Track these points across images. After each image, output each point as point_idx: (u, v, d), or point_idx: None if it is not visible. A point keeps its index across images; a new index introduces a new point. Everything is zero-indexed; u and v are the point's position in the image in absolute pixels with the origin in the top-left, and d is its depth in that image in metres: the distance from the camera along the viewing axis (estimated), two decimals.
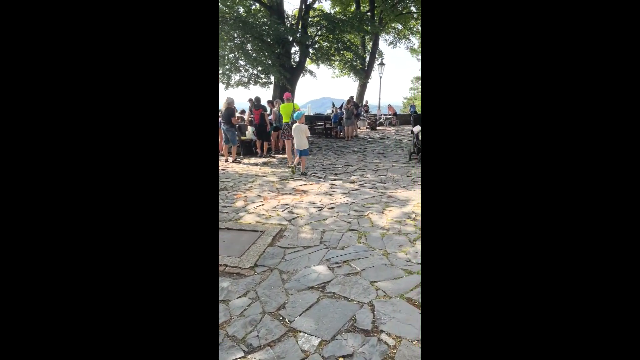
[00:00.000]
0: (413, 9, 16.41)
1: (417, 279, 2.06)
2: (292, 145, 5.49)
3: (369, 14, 14.64)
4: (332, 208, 3.53)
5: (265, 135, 7.53)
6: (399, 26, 17.83)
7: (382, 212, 3.34)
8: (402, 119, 16.16)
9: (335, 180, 4.86)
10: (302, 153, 5.25)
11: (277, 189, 4.42)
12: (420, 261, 2.29)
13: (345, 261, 2.33)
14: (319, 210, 3.47)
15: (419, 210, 3.35)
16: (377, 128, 14.54)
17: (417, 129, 6.01)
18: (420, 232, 2.80)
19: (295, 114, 5.50)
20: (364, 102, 16.27)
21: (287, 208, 3.55)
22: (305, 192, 4.23)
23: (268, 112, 8.20)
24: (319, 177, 5.07)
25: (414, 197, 3.85)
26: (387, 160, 6.46)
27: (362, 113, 14.81)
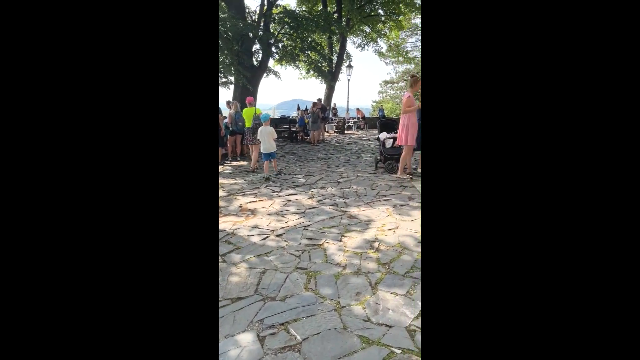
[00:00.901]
0: (380, 11, 16.27)
1: (377, 353, 1.49)
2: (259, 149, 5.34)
3: (335, 14, 14.24)
4: (280, 235, 2.90)
5: (219, 140, 6.76)
6: (367, 29, 17.65)
7: (340, 240, 2.76)
8: (370, 123, 15.92)
9: (292, 194, 4.24)
10: (271, 156, 5.17)
11: (219, 208, 3.72)
12: (381, 321, 1.72)
13: (283, 323, 1.71)
14: (264, 238, 2.83)
15: (383, 236, 2.82)
16: (346, 132, 14.14)
17: (384, 135, 5.55)
18: (384, 270, 2.26)
19: (262, 116, 5.46)
20: (332, 105, 15.84)
21: (223, 237, 2.88)
22: (253, 212, 3.57)
23: (223, 115, 7.43)
24: (274, 191, 4.43)
25: (377, 216, 3.33)
26: (352, 169, 5.95)
27: (331, 116, 14.36)
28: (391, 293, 1.97)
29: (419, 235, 2.83)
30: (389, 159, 5.42)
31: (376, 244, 2.66)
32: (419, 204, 3.71)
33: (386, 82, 28.24)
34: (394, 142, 5.44)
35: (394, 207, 3.63)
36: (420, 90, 4.96)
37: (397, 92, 27.07)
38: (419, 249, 2.54)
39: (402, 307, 1.82)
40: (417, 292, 1.96)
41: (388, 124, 5.87)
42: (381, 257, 2.44)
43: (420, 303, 1.85)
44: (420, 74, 4.64)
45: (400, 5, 15.87)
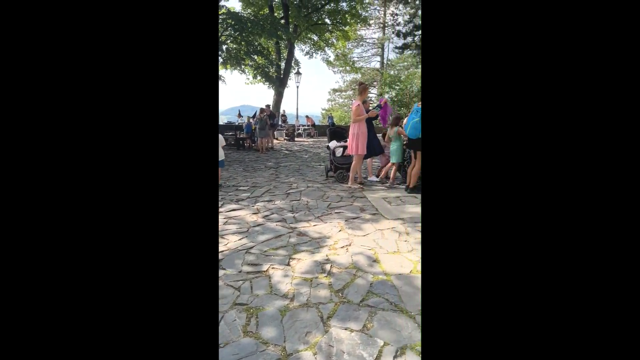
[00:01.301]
0: (327, 20, 16.48)
1: None
2: None
3: (282, 20, 14.04)
4: (218, 260, 2.48)
5: None
6: (315, 37, 17.75)
7: (288, 264, 2.44)
8: (320, 130, 15.90)
9: (234, 210, 3.81)
10: (219, 165, 4.73)
11: None
12: None
13: None
14: None
15: (335, 255, 2.57)
16: (296, 139, 13.90)
17: (334, 144, 5.38)
18: (338, 299, 1.98)
19: None
20: (282, 112, 15.52)
21: None
22: None
23: None
24: None
25: (329, 232, 3.07)
26: (302, 178, 5.67)
27: (280, 123, 14.01)
28: (346, 329, 1.70)
29: (372, 252, 2.63)
30: (339, 168, 5.25)
31: (328, 266, 2.39)
32: (371, 216, 3.55)
33: (335, 91, 28.78)
34: (344, 151, 5.30)
35: (345, 220, 3.41)
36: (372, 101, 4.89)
37: (346, 100, 27.71)
38: (374, 270, 2.33)
39: (359, 348, 1.56)
40: (375, 325, 1.72)
41: (338, 133, 5.73)
42: (334, 282, 2.17)
43: (379, 340, 1.61)
44: (369, 82, 4.58)
45: (347, 16, 16.25)
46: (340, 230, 3.13)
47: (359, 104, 4.56)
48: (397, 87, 18.31)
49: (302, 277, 2.24)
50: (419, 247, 2.73)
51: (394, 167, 4.93)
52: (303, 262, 2.47)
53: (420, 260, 2.49)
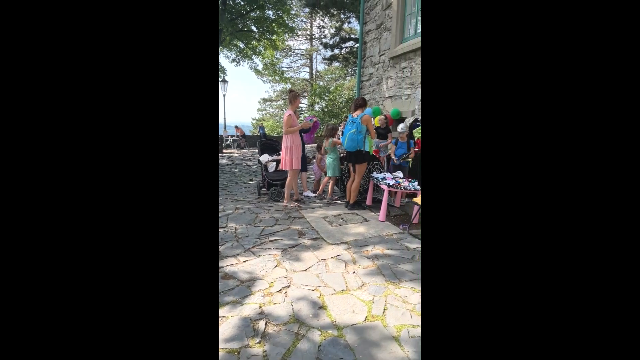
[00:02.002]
0: (253, 28, 15.90)
1: None
2: None
3: None
4: None
5: None
6: (241, 44, 16.98)
7: None
8: (251, 141, 15.10)
9: None
10: None
11: None
12: None
13: None
14: None
15: (270, 305, 2.01)
16: (225, 151, 12.87)
17: (265, 158, 4.82)
18: None
19: None
20: None
21: None
22: None
23: None
24: None
25: (263, 269, 2.51)
26: (230, 197, 4.95)
27: None
28: None
29: (316, 294, 2.15)
30: (273, 184, 4.70)
31: (261, 324, 1.82)
32: (312, 242, 3.08)
33: (265, 100, 28.12)
34: (277, 166, 4.77)
35: (282, 250, 2.88)
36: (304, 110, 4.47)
37: (277, 110, 27.27)
38: (321, 321, 1.84)
39: None
40: None
41: (270, 145, 5.18)
42: (270, 351, 1.61)
43: None
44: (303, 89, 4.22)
45: (273, 24, 15.91)
46: (276, 266, 2.58)
47: (290, 114, 4.11)
48: (327, 98, 18.62)
49: (226, 348, 1.63)
50: (369, 280, 2.34)
51: (331, 182, 4.58)
52: (227, 322, 1.85)
53: (373, 300, 2.09)
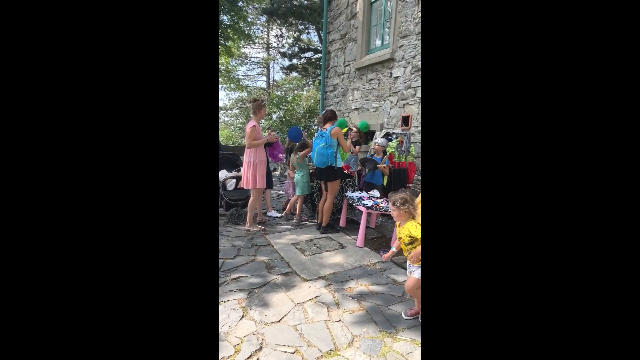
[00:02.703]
0: None
1: None
2: None
3: None
4: None
5: None
6: None
7: None
8: None
9: None
10: None
11: None
12: None
13: None
14: None
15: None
16: None
17: (223, 175, 4.23)
18: None
19: None
20: None
21: None
22: None
23: None
24: None
25: (224, 322, 1.97)
26: None
27: None
28: None
29: (297, 357, 1.68)
30: (232, 204, 4.11)
31: None
32: (283, 278, 2.60)
33: (220, 108, 26.87)
34: (237, 183, 4.21)
35: (248, 293, 2.36)
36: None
37: (232, 118, 26.17)
38: None
39: None
40: None
41: (228, 160, 4.58)
42: None
43: None
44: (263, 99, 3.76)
45: (229, 30, 15.20)
46: (242, 317, 2.06)
47: (254, 125, 3.60)
48: (285, 108, 18.22)
49: None
50: (359, 332, 1.92)
51: (299, 200, 4.12)
52: None
53: None
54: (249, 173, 3.64)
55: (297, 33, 15.89)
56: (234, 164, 4.52)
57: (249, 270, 2.73)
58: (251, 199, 3.75)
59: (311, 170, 4.20)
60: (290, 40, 16.24)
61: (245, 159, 3.68)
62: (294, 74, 19.74)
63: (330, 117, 3.61)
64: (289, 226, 3.99)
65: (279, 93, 21.53)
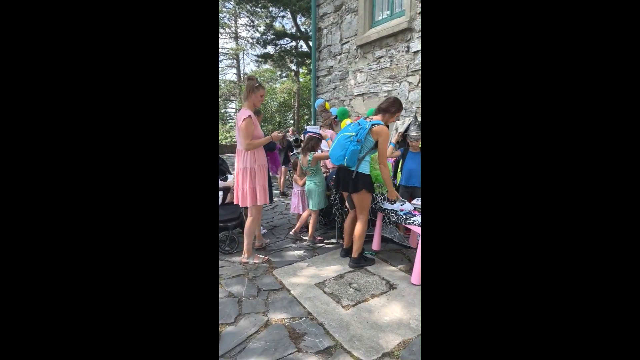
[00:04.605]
0: None
1: None
2: None
3: None
4: None
5: None
6: None
7: None
8: None
9: None
10: None
11: None
12: None
13: None
14: None
15: None
16: None
17: None
18: None
19: None
20: None
21: None
22: None
23: None
24: None
25: None
26: None
27: None
28: None
29: None
30: (221, 227, 2.97)
31: None
32: (324, 355, 1.56)
33: None
34: (225, 197, 3.07)
35: None
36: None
37: None
38: None
39: None
40: None
41: None
42: None
43: None
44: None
45: None
46: None
47: (249, 116, 2.47)
48: None
49: None
50: None
51: (313, 217, 3.05)
52: None
53: None
54: (245, 185, 2.52)
55: (269, 19, 14.53)
56: (219, 169, 3.36)
57: (265, 350, 1.66)
58: (249, 219, 2.64)
59: (326, 174, 3.15)
60: (262, 28, 14.84)
61: (237, 164, 2.55)
62: (266, 66, 18.36)
63: (386, 108, 2.46)
64: (301, 252, 2.93)
65: None
